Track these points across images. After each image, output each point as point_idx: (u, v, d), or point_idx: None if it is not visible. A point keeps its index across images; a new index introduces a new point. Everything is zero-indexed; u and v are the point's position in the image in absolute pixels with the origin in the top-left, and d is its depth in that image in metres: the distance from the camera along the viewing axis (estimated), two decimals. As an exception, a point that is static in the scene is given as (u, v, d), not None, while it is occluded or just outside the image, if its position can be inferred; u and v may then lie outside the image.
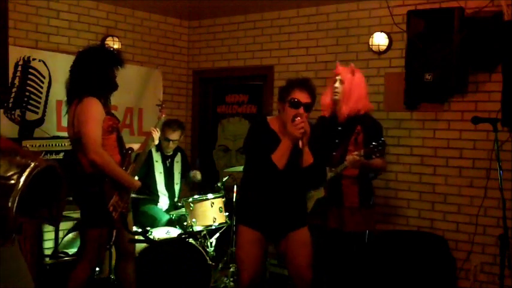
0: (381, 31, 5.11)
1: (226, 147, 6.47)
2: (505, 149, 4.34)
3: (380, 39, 5.11)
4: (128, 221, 3.78)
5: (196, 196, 4.99)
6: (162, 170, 5.28)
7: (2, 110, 4.72)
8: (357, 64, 5.26)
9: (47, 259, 4.70)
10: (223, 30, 6.28)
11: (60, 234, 5.01)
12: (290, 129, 3.18)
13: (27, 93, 5.04)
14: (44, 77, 5.15)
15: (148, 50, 6.14)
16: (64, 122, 5.06)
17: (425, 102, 4.85)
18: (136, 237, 3.81)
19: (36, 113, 5.11)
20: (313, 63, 5.53)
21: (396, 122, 5.08)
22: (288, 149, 3.23)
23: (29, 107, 5.06)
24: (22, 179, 1.50)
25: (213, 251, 4.92)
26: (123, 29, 5.87)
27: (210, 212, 4.86)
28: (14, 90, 4.94)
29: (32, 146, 4.79)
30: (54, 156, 4.83)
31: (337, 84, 3.98)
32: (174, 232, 4.70)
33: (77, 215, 4.30)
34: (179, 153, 5.44)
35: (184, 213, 4.93)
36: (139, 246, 4.25)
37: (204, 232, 4.91)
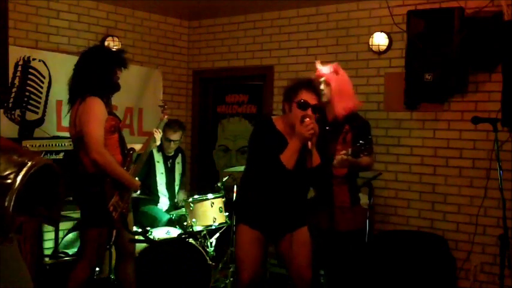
0: (381, 31, 5.11)
1: (226, 147, 6.47)
2: (505, 149, 4.34)
3: (380, 39, 5.11)
4: (128, 221, 3.78)
5: (196, 196, 5.00)
6: (163, 170, 5.29)
7: (2, 110, 4.71)
8: (357, 64, 5.29)
9: (47, 259, 4.70)
10: (223, 30, 6.28)
11: (60, 234, 5.01)
12: (300, 130, 3.19)
13: (27, 93, 5.04)
14: (44, 77, 5.15)
15: (148, 50, 6.14)
16: (64, 122, 5.07)
17: (425, 102, 4.85)
18: (136, 237, 3.82)
19: (36, 113, 5.11)
20: (313, 63, 5.48)
21: (396, 122, 5.08)
22: (297, 149, 3.23)
23: (29, 107, 5.06)
24: (19, 178, 1.51)
25: (213, 251, 4.92)
26: (123, 29, 5.87)
27: (210, 212, 4.86)
28: (14, 90, 4.94)
29: (32, 146, 4.79)
30: (54, 156, 4.83)
31: (322, 87, 3.92)
32: (174, 232, 4.70)
33: (77, 215, 4.30)
34: (180, 154, 5.45)
35: (184, 213, 4.93)
36: (139, 246, 4.25)
37: (204, 232, 4.91)
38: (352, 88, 4.03)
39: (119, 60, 3.70)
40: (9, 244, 1.62)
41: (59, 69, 5.10)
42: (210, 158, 6.57)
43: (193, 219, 4.77)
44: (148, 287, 4.32)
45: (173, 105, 6.31)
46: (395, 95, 4.96)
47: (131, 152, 3.82)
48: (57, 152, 5.01)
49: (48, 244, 5.11)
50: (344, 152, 3.76)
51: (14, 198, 1.48)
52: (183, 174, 5.45)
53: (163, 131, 4.72)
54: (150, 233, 4.28)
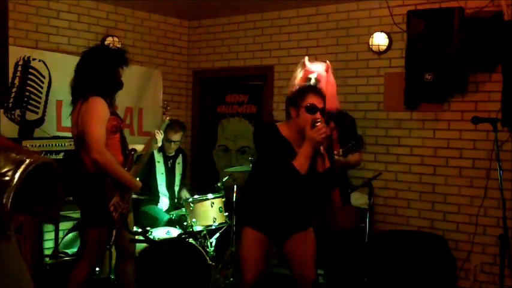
0: (381, 31, 5.11)
1: (226, 147, 6.47)
2: (505, 149, 4.34)
3: (380, 39, 5.11)
4: (129, 221, 3.78)
5: (196, 196, 5.00)
6: (163, 170, 5.29)
7: (2, 110, 4.71)
8: (357, 64, 5.30)
9: (47, 259, 4.70)
10: (223, 30, 6.28)
11: (60, 234, 5.01)
12: (312, 135, 3.18)
13: (27, 93, 5.04)
14: (44, 77, 5.15)
15: (148, 50, 6.14)
16: (64, 122, 5.08)
17: (425, 102, 4.85)
18: (136, 237, 3.82)
19: (36, 113, 5.11)
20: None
21: (396, 122, 5.08)
22: (310, 154, 3.22)
23: (29, 107, 5.06)
24: (17, 176, 1.51)
25: (213, 251, 4.92)
26: (123, 29, 5.87)
27: (210, 212, 4.86)
28: (14, 90, 4.94)
29: (32, 146, 4.79)
30: (54, 156, 4.83)
31: (312, 83, 3.91)
32: (174, 232, 4.70)
33: (77, 215, 4.30)
34: (180, 155, 5.45)
35: (184, 213, 4.93)
36: (139, 246, 4.25)
37: (204, 232, 4.91)
38: (336, 89, 4.02)
39: (120, 59, 3.70)
40: (7, 242, 1.62)
41: (59, 69, 5.10)
42: (210, 158, 6.57)
43: (193, 219, 4.77)
44: (148, 287, 4.32)
45: (173, 105, 6.28)
46: (395, 95, 4.96)
47: (132, 152, 3.82)
48: (57, 152, 5.01)
49: (48, 244, 5.11)
50: (335, 152, 3.76)
51: (12, 195, 1.48)
52: (183, 175, 5.45)
53: (164, 132, 4.72)
54: (150, 233, 4.28)
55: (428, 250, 4.57)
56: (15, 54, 4.79)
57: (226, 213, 4.97)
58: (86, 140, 3.50)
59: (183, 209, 4.97)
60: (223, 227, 5.00)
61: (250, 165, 5.09)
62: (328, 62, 4.04)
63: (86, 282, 3.65)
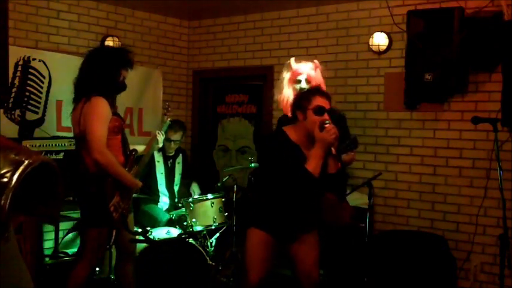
0: (381, 31, 5.11)
1: (226, 147, 6.47)
2: (505, 149, 4.34)
3: (380, 39, 5.11)
4: (129, 221, 3.78)
5: (196, 196, 4.99)
6: (163, 170, 5.29)
7: (2, 110, 4.71)
8: (357, 64, 5.30)
9: (47, 259, 4.70)
10: (223, 30, 6.28)
11: (60, 234, 5.01)
12: (322, 136, 3.18)
13: (27, 93, 5.04)
14: (44, 77, 5.14)
15: (148, 50, 6.14)
16: (64, 122, 5.08)
17: (425, 102, 4.85)
18: (136, 237, 3.81)
19: (36, 113, 5.11)
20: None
21: (396, 122, 5.08)
22: (322, 156, 3.22)
23: (29, 107, 5.06)
24: (15, 177, 1.50)
25: (213, 251, 4.92)
26: (123, 29, 5.87)
27: (210, 212, 4.86)
28: (14, 90, 4.94)
29: (32, 146, 4.79)
30: (54, 156, 4.83)
31: (303, 85, 3.88)
32: (174, 232, 4.70)
33: (77, 215, 4.30)
34: (181, 155, 5.45)
35: (184, 213, 4.93)
36: (139, 246, 4.25)
37: (204, 232, 4.91)
38: (324, 87, 4.01)
39: (126, 60, 3.70)
40: (6, 243, 1.61)
41: (59, 69, 5.10)
42: (210, 158, 6.57)
43: (193, 219, 4.77)
44: (148, 287, 4.31)
45: (173, 105, 6.26)
46: (395, 95, 4.96)
47: (133, 153, 3.82)
48: (57, 152, 5.00)
49: (48, 244, 5.11)
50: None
51: (10, 196, 1.48)
52: (183, 175, 5.44)
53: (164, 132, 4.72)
54: (150, 233, 4.28)
55: (428, 250, 4.57)
56: (15, 54, 4.79)
57: (226, 213, 4.97)
58: (88, 140, 3.50)
59: (183, 209, 4.97)
60: (223, 227, 5.00)
61: (251, 165, 5.09)
62: (316, 61, 4.02)
63: (86, 282, 3.65)
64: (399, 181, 5.07)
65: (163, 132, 4.31)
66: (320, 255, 3.53)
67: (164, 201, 5.28)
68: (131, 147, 3.90)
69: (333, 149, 3.23)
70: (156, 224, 4.89)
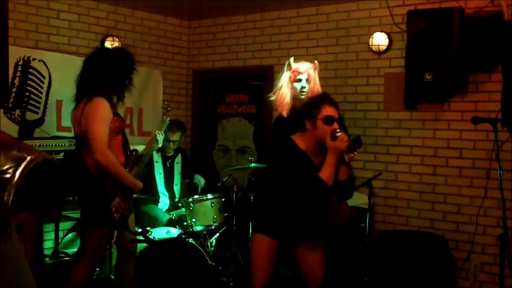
0: (381, 31, 5.11)
1: (226, 147, 6.47)
2: (505, 149, 4.34)
3: (380, 39, 5.11)
4: (129, 222, 3.78)
5: (196, 196, 4.99)
6: (161, 170, 5.29)
7: (2, 110, 4.71)
8: (357, 64, 5.30)
9: (47, 259, 4.70)
10: (223, 30, 6.28)
11: (60, 234, 5.01)
12: (335, 145, 3.22)
13: (27, 93, 5.04)
14: (44, 77, 5.14)
15: (148, 50, 6.14)
16: (64, 122, 5.08)
17: (425, 102, 4.85)
18: (136, 237, 3.81)
19: (36, 113, 5.11)
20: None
21: (396, 122, 5.08)
22: (335, 164, 3.26)
23: (29, 107, 5.06)
24: (17, 173, 1.50)
25: (213, 251, 4.92)
26: (123, 29, 5.87)
27: (210, 212, 4.86)
28: (14, 90, 4.93)
29: (32, 146, 4.79)
30: (54, 156, 4.83)
31: (304, 84, 3.88)
32: (174, 232, 4.70)
33: (77, 215, 4.30)
34: (180, 155, 5.44)
35: (184, 213, 4.93)
36: (140, 246, 4.25)
37: (204, 232, 4.91)
38: (319, 88, 4.01)
39: (131, 64, 3.71)
40: (8, 241, 1.61)
41: (59, 69, 5.10)
42: (210, 158, 6.57)
43: (193, 219, 4.77)
44: (148, 287, 4.31)
45: (173, 105, 6.28)
46: (396, 95, 4.96)
47: (134, 153, 3.82)
48: (57, 152, 5.01)
49: (48, 244, 5.11)
50: None
51: (13, 192, 1.48)
52: (183, 174, 5.44)
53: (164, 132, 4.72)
54: (150, 233, 4.28)
55: (428, 250, 4.57)
56: (15, 54, 4.79)
57: (226, 213, 4.97)
58: (89, 141, 3.50)
59: (183, 209, 4.97)
60: (223, 227, 5.00)
61: (251, 165, 5.09)
62: (316, 62, 4.03)
63: (86, 282, 3.64)
64: (399, 181, 5.07)
65: (162, 132, 4.31)
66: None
67: (164, 201, 5.28)
68: (131, 147, 3.90)
69: (346, 156, 3.27)
70: (156, 224, 4.89)
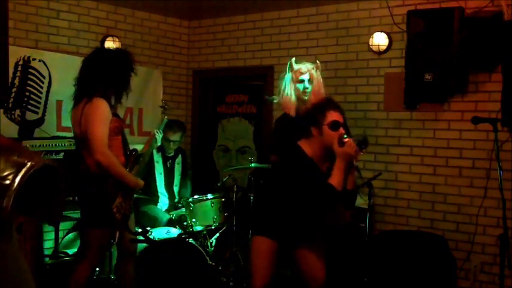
0: (381, 31, 5.11)
1: (226, 147, 6.47)
2: (505, 149, 4.34)
3: (380, 39, 5.11)
4: (130, 221, 3.78)
5: (196, 196, 4.99)
6: (162, 171, 5.29)
7: (2, 110, 4.71)
8: (357, 64, 5.30)
9: (47, 259, 4.70)
10: (223, 30, 6.28)
11: (60, 234, 5.01)
12: (344, 150, 3.22)
13: (27, 93, 5.04)
14: (44, 77, 5.14)
15: (148, 50, 6.14)
16: (64, 122, 5.08)
17: (425, 102, 4.85)
18: (136, 237, 3.81)
19: (36, 113, 5.11)
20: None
21: (396, 122, 5.08)
22: (344, 170, 3.25)
23: (29, 107, 5.06)
24: (17, 179, 1.50)
25: (213, 251, 4.92)
26: (123, 29, 5.87)
27: (210, 212, 4.86)
28: (14, 90, 4.93)
29: (32, 146, 4.79)
30: (54, 156, 4.84)
31: (307, 85, 3.89)
32: (174, 232, 4.70)
33: (77, 215, 4.30)
34: (180, 155, 5.44)
35: (184, 213, 4.93)
36: (140, 246, 4.25)
37: (204, 232, 4.91)
38: (323, 89, 4.01)
39: (130, 65, 3.71)
40: (7, 243, 1.61)
41: (59, 69, 5.10)
42: (210, 158, 6.57)
43: (193, 219, 4.77)
44: (148, 287, 4.31)
45: (173, 105, 6.29)
46: (395, 95, 4.96)
47: (133, 153, 3.82)
48: (57, 152, 5.01)
49: (48, 244, 5.11)
50: None
51: (12, 198, 1.48)
52: (183, 175, 5.44)
53: (163, 132, 4.73)
54: (150, 233, 4.28)
55: (428, 250, 4.57)
56: (15, 54, 4.79)
57: (226, 213, 4.97)
58: (89, 141, 3.50)
59: (183, 209, 4.97)
60: (223, 227, 5.00)
61: (251, 165, 5.08)
62: (318, 62, 4.03)
63: (86, 283, 3.64)
64: (399, 181, 5.07)
65: (161, 131, 4.31)
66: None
67: (163, 201, 5.28)
68: (131, 147, 3.90)
69: (354, 161, 3.27)
70: (156, 224, 4.89)
